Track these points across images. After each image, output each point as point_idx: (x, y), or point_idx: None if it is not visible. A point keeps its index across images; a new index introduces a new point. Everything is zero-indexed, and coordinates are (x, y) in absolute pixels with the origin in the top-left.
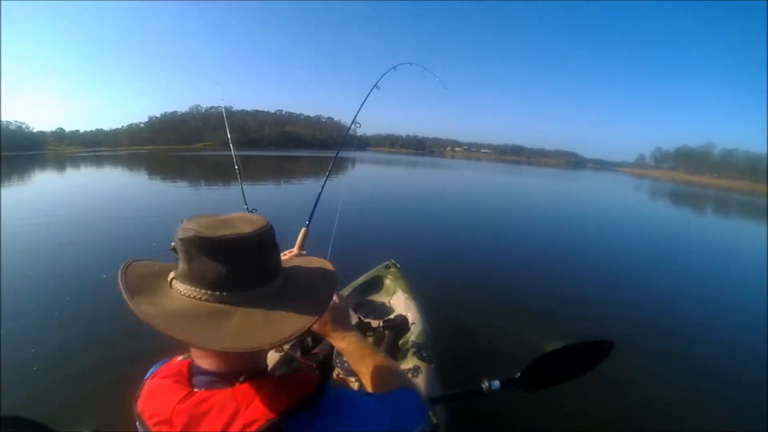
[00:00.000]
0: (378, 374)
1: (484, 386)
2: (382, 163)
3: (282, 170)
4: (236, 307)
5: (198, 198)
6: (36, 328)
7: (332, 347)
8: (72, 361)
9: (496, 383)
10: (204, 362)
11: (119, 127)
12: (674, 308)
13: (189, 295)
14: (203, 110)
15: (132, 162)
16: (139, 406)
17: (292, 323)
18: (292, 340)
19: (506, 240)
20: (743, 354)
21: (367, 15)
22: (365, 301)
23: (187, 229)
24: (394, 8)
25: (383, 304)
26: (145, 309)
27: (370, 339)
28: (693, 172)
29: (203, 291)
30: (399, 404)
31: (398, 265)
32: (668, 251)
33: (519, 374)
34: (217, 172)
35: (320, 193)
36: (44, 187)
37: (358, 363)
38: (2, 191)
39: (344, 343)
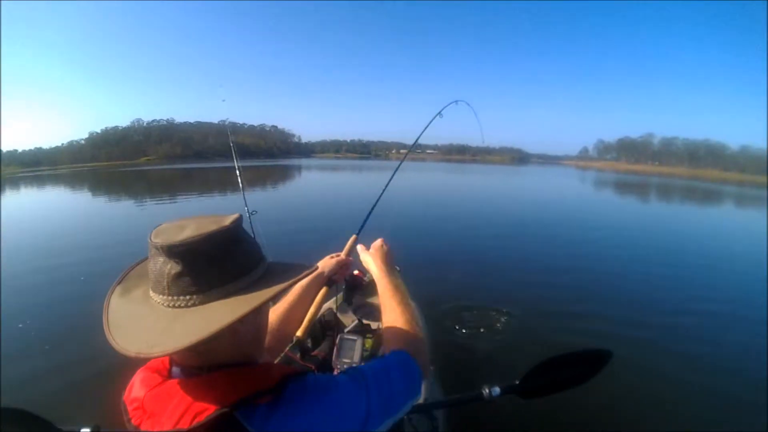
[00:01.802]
0: (392, 323)
1: (484, 392)
2: (346, 169)
3: (229, 181)
4: (165, 309)
5: (148, 215)
6: (35, 328)
7: (332, 349)
8: (71, 358)
9: (497, 389)
10: (175, 356)
11: (59, 144)
12: (671, 307)
13: (146, 298)
14: (145, 124)
15: (75, 181)
16: (126, 394)
17: (203, 328)
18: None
19: (503, 241)
20: (743, 353)
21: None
22: (365, 303)
23: (160, 227)
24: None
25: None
26: (112, 300)
27: (370, 341)
28: (635, 161)
29: (151, 292)
30: (383, 385)
31: (398, 268)
32: (653, 246)
33: (519, 381)
34: (164, 186)
35: (375, 204)
36: None
37: (385, 298)
38: None
39: (386, 279)
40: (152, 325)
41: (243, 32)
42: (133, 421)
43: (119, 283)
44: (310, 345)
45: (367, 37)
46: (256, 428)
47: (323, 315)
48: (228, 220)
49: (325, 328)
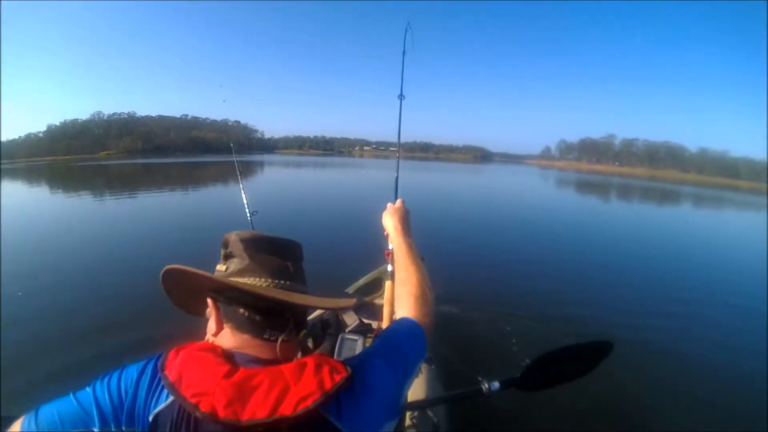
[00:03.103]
0: (405, 282)
1: (483, 387)
2: (311, 166)
3: (191, 177)
4: (293, 292)
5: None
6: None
7: (333, 348)
8: (71, 354)
9: (496, 384)
10: (253, 350)
11: (16, 137)
12: (672, 306)
13: (252, 284)
14: (105, 117)
15: (32, 175)
16: (173, 374)
17: (343, 302)
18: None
19: (504, 239)
20: (743, 353)
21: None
22: (365, 302)
23: (245, 233)
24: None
25: (383, 305)
26: (240, 282)
27: (371, 341)
28: (596, 161)
29: (266, 279)
30: (400, 358)
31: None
32: (654, 244)
33: (519, 375)
34: (123, 182)
35: (397, 177)
36: None
37: (399, 256)
38: None
39: (401, 238)
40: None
41: (205, 27)
42: (202, 407)
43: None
44: (311, 345)
45: (333, 36)
46: (347, 428)
47: (324, 314)
48: None
49: (326, 328)
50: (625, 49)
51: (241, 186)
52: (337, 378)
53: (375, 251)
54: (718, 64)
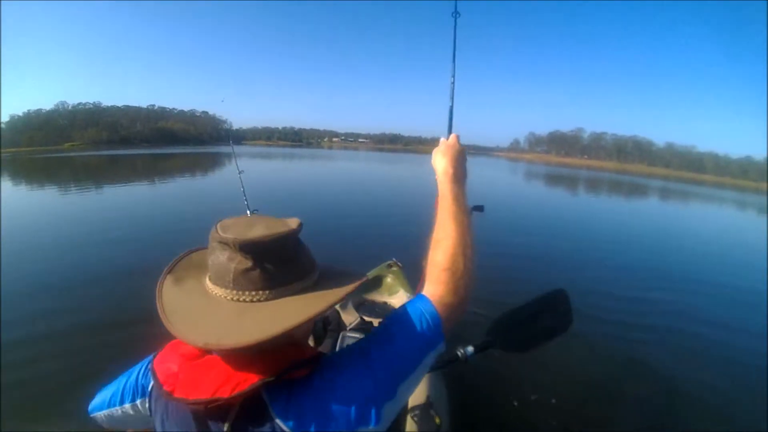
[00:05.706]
0: (439, 244)
1: (459, 353)
2: (279, 157)
3: (156, 169)
4: (229, 302)
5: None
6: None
7: (334, 347)
8: (68, 362)
9: (470, 348)
10: None
11: None
12: (671, 304)
13: (203, 289)
14: (70, 107)
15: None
16: (156, 360)
17: (274, 324)
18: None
19: (504, 236)
20: (743, 353)
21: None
22: (365, 300)
23: (214, 226)
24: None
25: (384, 303)
26: (165, 288)
27: None
28: (565, 154)
29: (211, 285)
30: (385, 348)
31: (400, 264)
32: (654, 240)
33: (486, 334)
34: (89, 173)
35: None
36: None
37: (442, 208)
38: None
39: (449, 185)
40: (218, 317)
41: (169, 14)
42: (165, 387)
43: (170, 271)
44: (312, 343)
45: (301, 24)
46: (277, 411)
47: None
48: (294, 224)
49: (327, 325)
50: (595, 45)
51: (242, 187)
52: (282, 367)
53: (376, 247)
54: (687, 61)
